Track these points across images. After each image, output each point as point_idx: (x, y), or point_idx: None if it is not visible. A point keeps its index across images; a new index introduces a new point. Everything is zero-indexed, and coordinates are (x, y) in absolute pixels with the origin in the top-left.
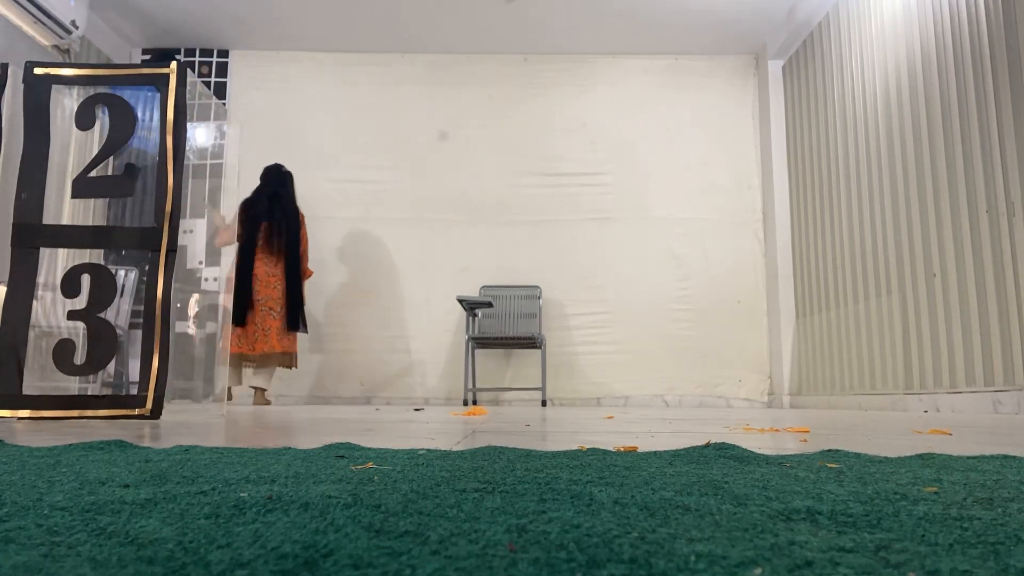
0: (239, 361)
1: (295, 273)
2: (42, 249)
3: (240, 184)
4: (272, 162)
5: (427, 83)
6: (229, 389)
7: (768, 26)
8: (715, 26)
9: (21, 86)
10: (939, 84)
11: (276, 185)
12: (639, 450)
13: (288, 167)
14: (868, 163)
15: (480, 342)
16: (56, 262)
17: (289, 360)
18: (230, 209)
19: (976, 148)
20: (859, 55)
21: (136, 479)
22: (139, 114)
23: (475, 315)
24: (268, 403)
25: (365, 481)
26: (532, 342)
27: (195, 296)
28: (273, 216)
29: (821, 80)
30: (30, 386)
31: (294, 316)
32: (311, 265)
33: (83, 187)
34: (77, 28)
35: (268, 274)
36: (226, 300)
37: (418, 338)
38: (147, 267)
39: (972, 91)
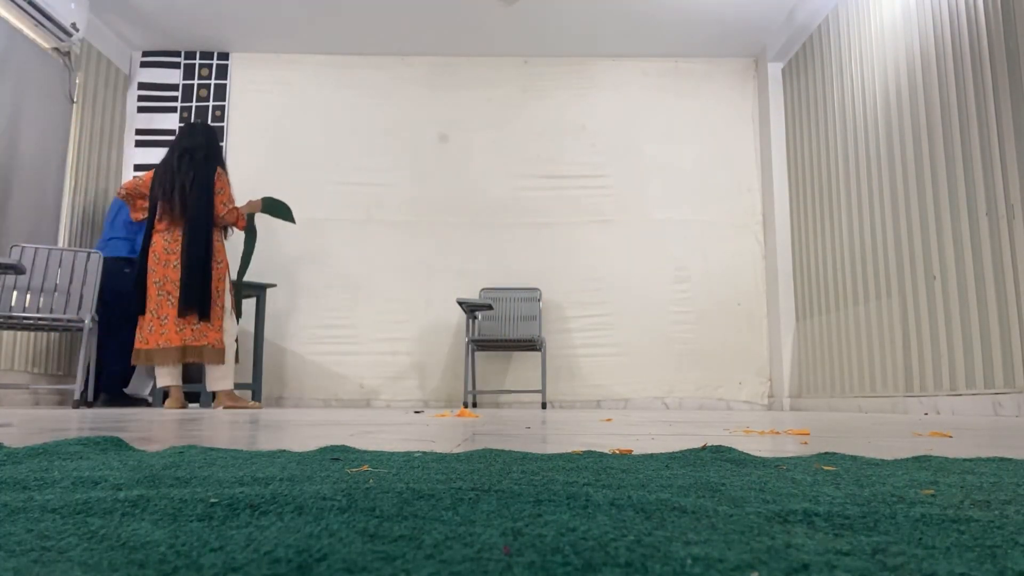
0: (144, 356)
1: (198, 245)
2: None
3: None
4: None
5: (427, 86)
6: (166, 391)
7: (768, 29)
8: (715, 29)
9: (21, 93)
10: (939, 86)
11: (186, 140)
12: (636, 453)
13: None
14: (868, 165)
15: (480, 344)
16: None
17: (200, 353)
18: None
19: (976, 150)
20: (859, 58)
21: (129, 480)
22: None
23: (475, 317)
24: (184, 406)
25: (360, 484)
26: (532, 344)
27: None
28: (175, 179)
29: (821, 83)
30: None
31: (186, 299)
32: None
33: None
34: (78, 31)
35: (166, 250)
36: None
37: (418, 340)
38: None
39: (972, 93)
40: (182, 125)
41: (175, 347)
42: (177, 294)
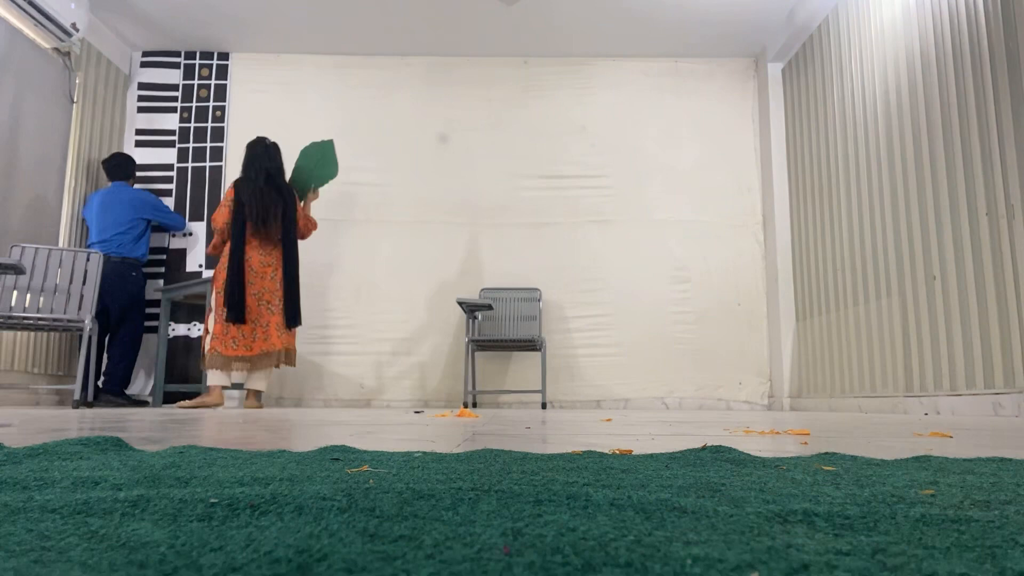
0: (230, 362)
1: (293, 260)
2: None
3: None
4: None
5: (427, 86)
6: (220, 392)
7: (768, 29)
8: (715, 29)
9: (21, 93)
10: (939, 86)
11: (265, 160)
12: (636, 453)
13: (288, 169)
14: (868, 165)
15: (480, 344)
16: None
17: (291, 357)
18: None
19: (976, 150)
20: (859, 58)
21: (129, 480)
22: None
23: (475, 317)
24: (261, 407)
25: (360, 484)
26: (532, 344)
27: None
28: (265, 196)
29: (821, 83)
30: None
31: (293, 310)
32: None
33: None
34: (78, 31)
35: (262, 263)
36: (217, 297)
37: (418, 340)
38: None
39: (972, 93)
40: (254, 142)
41: (277, 350)
42: (275, 303)
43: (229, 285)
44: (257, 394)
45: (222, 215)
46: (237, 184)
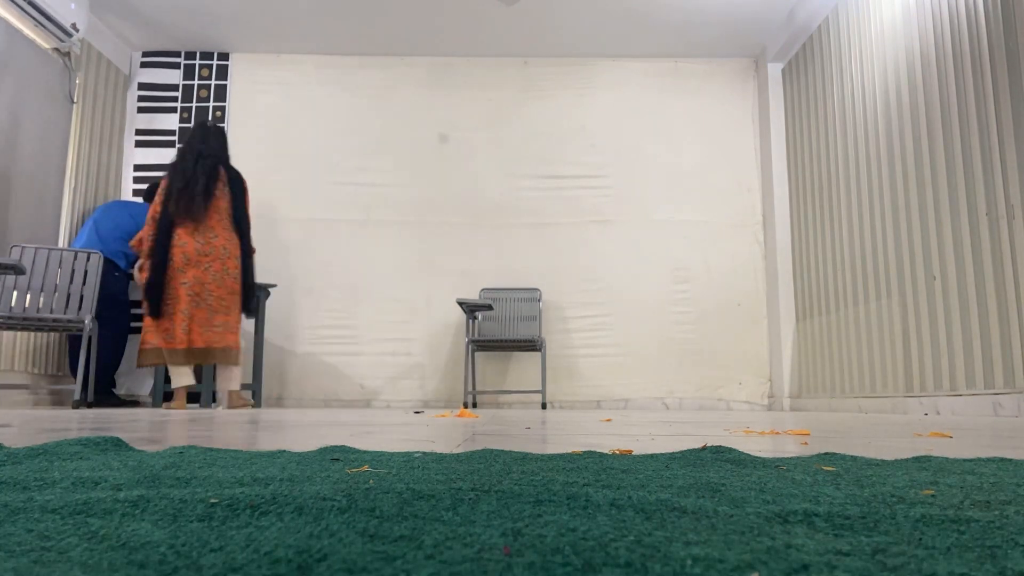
0: (185, 358)
1: (250, 252)
2: None
3: None
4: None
5: (427, 86)
6: (181, 393)
7: (768, 29)
8: (715, 29)
9: (21, 93)
10: (939, 87)
11: (196, 142)
12: (636, 453)
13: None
14: (868, 166)
15: (480, 345)
16: None
17: (221, 355)
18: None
19: (976, 151)
20: (859, 58)
21: (129, 480)
22: None
23: (475, 318)
24: (240, 405)
25: (360, 484)
26: (532, 345)
27: None
28: (198, 182)
29: (821, 83)
30: None
31: (250, 301)
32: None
33: None
34: (78, 31)
35: (199, 252)
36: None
37: (418, 341)
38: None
39: (972, 94)
40: (193, 126)
41: (198, 348)
42: (206, 297)
43: (150, 276)
44: (229, 393)
45: (153, 205)
46: (168, 170)
